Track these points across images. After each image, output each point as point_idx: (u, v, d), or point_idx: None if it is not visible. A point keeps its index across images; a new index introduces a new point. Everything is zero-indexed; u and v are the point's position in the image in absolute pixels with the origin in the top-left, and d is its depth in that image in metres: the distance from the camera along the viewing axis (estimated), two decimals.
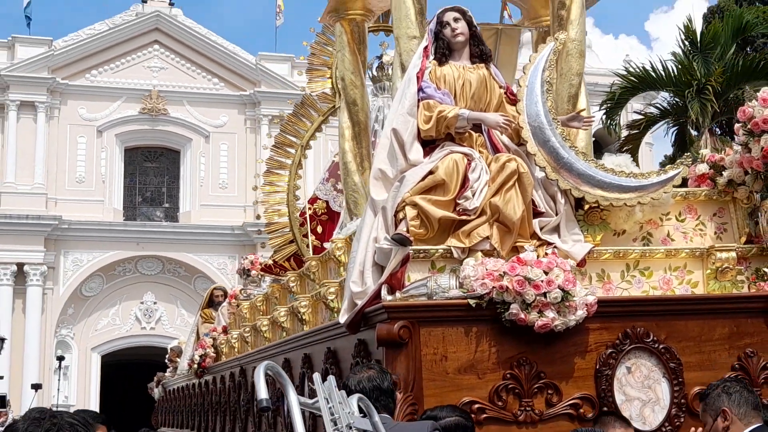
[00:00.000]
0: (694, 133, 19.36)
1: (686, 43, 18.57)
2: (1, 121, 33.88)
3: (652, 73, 18.87)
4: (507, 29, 7.77)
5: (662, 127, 20.91)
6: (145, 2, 36.22)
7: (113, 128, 34.81)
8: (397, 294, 5.52)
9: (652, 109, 20.26)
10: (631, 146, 20.14)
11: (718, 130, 20.60)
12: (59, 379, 31.72)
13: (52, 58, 34.30)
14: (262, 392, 3.27)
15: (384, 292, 5.55)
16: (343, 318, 5.87)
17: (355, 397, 3.70)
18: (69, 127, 34.40)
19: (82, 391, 33.06)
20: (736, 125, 6.23)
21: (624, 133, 21.33)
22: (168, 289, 34.60)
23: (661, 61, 18.99)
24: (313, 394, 3.53)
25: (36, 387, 28.49)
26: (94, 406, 31.26)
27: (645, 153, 24.04)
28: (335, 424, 3.40)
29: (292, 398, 3.24)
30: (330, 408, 3.45)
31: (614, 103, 19.82)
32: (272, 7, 38.45)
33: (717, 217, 6.42)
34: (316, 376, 3.61)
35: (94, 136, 34.50)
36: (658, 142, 27.80)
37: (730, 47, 18.41)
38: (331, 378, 3.56)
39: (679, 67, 18.53)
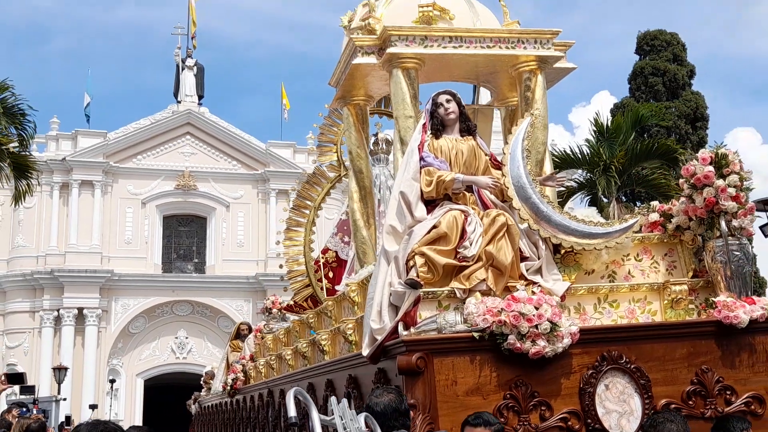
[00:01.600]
0: (604, 200, 19.36)
1: (596, 131, 18.58)
2: (66, 196, 33.73)
3: (571, 155, 18.96)
4: (482, 108, 7.51)
5: (579, 197, 20.90)
6: (179, 102, 36.34)
7: (154, 200, 34.73)
8: (411, 330, 5.14)
9: (572, 183, 20.22)
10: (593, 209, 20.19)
11: (623, 198, 20.63)
12: (111, 400, 31.64)
13: (106, 146, 34.34)
14: (291, 411, 3.50)
15: (400, 328, 5.18)
16: (366, 351, 5.43)
17: (362, 415, 3.68)
18: (119, 200, 34.39)
19: (129, 409, 32.68)
20: (681, 180, 5.90)
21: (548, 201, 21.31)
22: (197, 327, 34.35)
23: (577, 146, 19.23)
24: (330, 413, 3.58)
25: (92, 407, 28.27)
26: (138, 421, 31.11)
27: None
28: None
29: (314, 416, 3.38)
30: (343, 423, 3.49)
31: (543, 178, 19.84)
32: (279, 104, 38.50)
33: (668, 256, 6.07)
34: (333, 399, 3.69)
35: (139, 207, 34.47)
36: (578, 207, 27.64)
37: (630, 135, 18.65)
38: (344, 400, 3.61)
39: (591, 150, 18.61)
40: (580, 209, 6.92)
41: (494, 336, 5.00)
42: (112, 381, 31.09)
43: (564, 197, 21.31)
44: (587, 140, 19.21)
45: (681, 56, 31.46)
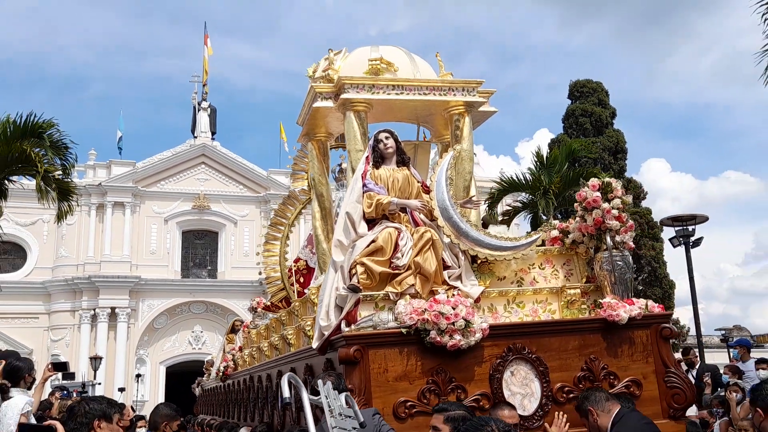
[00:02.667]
0: (543, 218, 19.40)
1: (537, 161, 18.58)
2: (102, 215, 33.31)
3: (517, 181, 18.96)
4: (422, 144, 7.44)
5: (523, 215, 20.88)
6: (196, 137, 36.12)
7: (174, 218, 34.33)
8: (352, 326, 5.08)
9: (518, 204, 20.25)
10: (504, 227, 20.16)
11: (559, 216, 20.73)
12: (138, 384, 31.30)
13: (135, 173, 33.97)
14: (286, 392, 3.40)
15: (343, 325, 5.13)
16: (315, 344, 5.38)
17: (344, 394, 3.65)
18: (146, 218, 33.95)
19: (153, 391, 32.20)
20: (576, 204, 5.87)
21: (500, 218, 21.31)
22: (210, 323, 33.83)
23: (522, 174, 19.27)
24: (315, 392, 3.52)
25: (121, 390, 27.79)
26: (161, 401, 30.50)
27: (513, 231, 23.82)
28: (331, 412, 3.42)
29: (304, 396, 3.33)
30: (328, 402, 3.45)
31: (493, 199, 19.86)
32: (278, 138, 38.68)
33: (566, 265, 6.03)
34: (319, 382, 3.60)
35: (162, 223, 34.07)
36: (522, 224, 27.67)
37: (564, 164, 18.61)
38: (329, 383, 3.54)
39: (533, 177, 18.60)
40: (496, 227, 6.83)
41: (419, 331, 4.94)
42: (138, 375, 31.09)
43: (511, 215, 21.35)
44: (530, 168, 19.18)
45: (605, 100, 31.70)
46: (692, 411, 9.21)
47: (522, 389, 5.16)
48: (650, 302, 5.59)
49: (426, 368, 4.98)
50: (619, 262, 5.58)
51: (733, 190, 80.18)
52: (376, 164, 5.95)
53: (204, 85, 36.93)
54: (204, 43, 37.30)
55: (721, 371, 10.89)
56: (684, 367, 11.64)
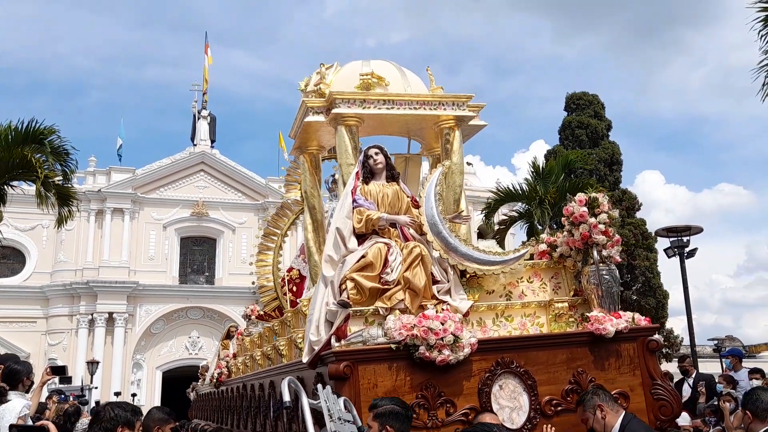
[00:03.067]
0: (539, 227, 19.40)
1: (533, 172, 18.49)
2: (101, 221, 33.38)
3: (513, 191, 19.07)
4: (412, 157, 7.40)
5: (519, 224, 20.84)
6: (195, 145, 36.22)
7: (173, 225, 34.41)
8: (342, 342, 5.03)
9: (514, 213, 20.29)
10: (500, 236, 20.37)
11: (554, 226, 20.75)
12: (136, 388, 31.45)
13: (134, 180, 34.05)
14: (286, 396, 3.49)
15: (333, 340, 5.08)
16: (305, 358, 5.34)
17: (341, 399, 3.73)
18: (144, 224, 34.05)
19: (149, 396, 32.14)
20: (563, 218, 5.85)
21: (496, 227, 21.36)
22: (207, 328, 33.88)
23: (518, 184, 19.37)
24: (314, 397, 3.55)
25: (116, 394, 27.81)
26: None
27: (509, 240, 23.93)
28: (331, 416, 3.45)
29: (304, 400, 3.42)
30: (327, 406, 3.49)
31: (490, 209, 19.87)
32: (276, 147, 38.88)
33: (553, 279, 6.01)
34: (319, 386, 3.61)
35: (160, 230, 34.14)
36: (518, 233, 27.70)
37: (560, 175, 18.64)
38: (328, 387, 3.61)
39: (529, 187, 18.60)
40: (483, 241, 6.85)
41: (408, 347, 4.91)
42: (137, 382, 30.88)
43: (507, 224, 21.34)
44: (526, 179, 19.24)
45: (600, 113, 31.82)
46: (686, 420, 9.19)
47: (510, 402, 5.13)
48: (637, 315, 5.58)
49: (415, 383, 4.95)
50: (606, 276, 5.57)
51: (726, 202, 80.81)
52: (366, 180, 5.93)
53: (204, 94, 37.02)
54: (204, 52, 37.40)
55: (716, 381, 10.88)
56: (679, 376, 11.65)
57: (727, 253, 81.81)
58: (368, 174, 5.95)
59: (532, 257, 6.02)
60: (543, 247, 6.09)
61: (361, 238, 5.61)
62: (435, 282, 5.47)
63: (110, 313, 31.69)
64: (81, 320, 31.71)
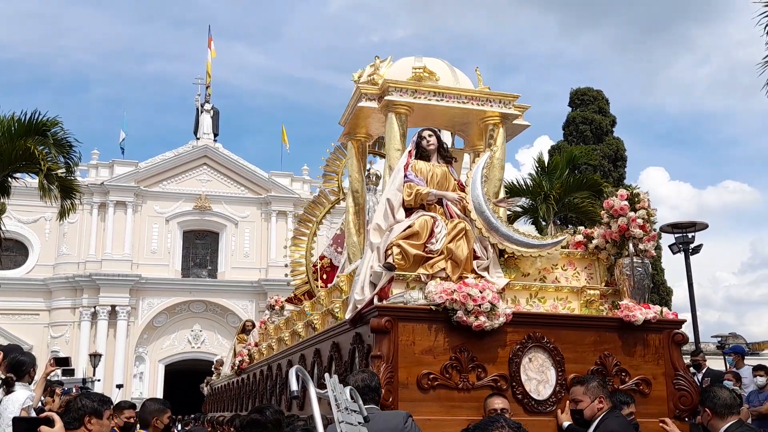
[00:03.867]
0: (543, 223, 19.81)
1: (538, 167, 18.94)
2: (104, 214, 34.45)
3: (518, 186, 19.58)
4: (455, 151, 7.91)
5: (523, 219, 21.32)
6: (198, 139, 37.09)
7: (176, 218, 35.38)
8: (384, 301, 5.57)
9: (518, 209, 20.72)
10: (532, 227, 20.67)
11: (558, 221, 21.14)
12: (138, 381, 32.48)
13: (137, 173, 35.04)
14: (293, 385, 3.42)
15: (376, 300, 5.63)
16: (347, 316, 5.93)
17: (348, 388, 3.74)
18: (147, 218, 35.01)
19: (152, 389, 32.87)
20: (602, 211, 6.42)
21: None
22: (209, 322, 34.71)
23: (523, 179, 19.92)
24: (322, 386, 3.53)
25: (119, 386, 28.25)
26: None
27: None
28: (338, 406, 3.47)
29: (311, 389, 3.34)
30: (334, 395, 3.49)
31: (494, 204, 20.24)
32: (280, 141, 39.80)
33: (587, 269, 6.53)
34: (327, 375, 3.66)
35: (163, 223, 35.12)
36: (522, 229, 28.08)
37: (564, 171, 19.05)
38: (335, 376, 3.59)
39: (534, 183, 19.03)
40: (523, 227, 7.44)
41: (447, 310, 5.41)
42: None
43: (511, 220, 21.72)
44: (530, 174, 19.64)
45: (605, 108, 32.49)
46: None
47: (538, 375, 5.66)
48: (665, 309, 6.16)
49: (450, 345, 5.47)
50: (639, 269, 6.10)
51: (731, 200, 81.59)
52: (419, 158, 6.56)
53: (207, 88, 37.89)
54: (207, 45, 38.36)
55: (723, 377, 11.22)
56: (691, 370, 12.05)
57: (732, 250, 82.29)
58: (421, 153, 6.57)
59: (568, 246, 6.60)
60: (579, 237, 6.62)
61: (408, 211, 6.20)
62: (475, 258, 6.02)
63: (113, 306, 32.40)
64: (84, 313, 32.53)
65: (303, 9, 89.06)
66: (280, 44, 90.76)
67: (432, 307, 5.47)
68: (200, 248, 36.07)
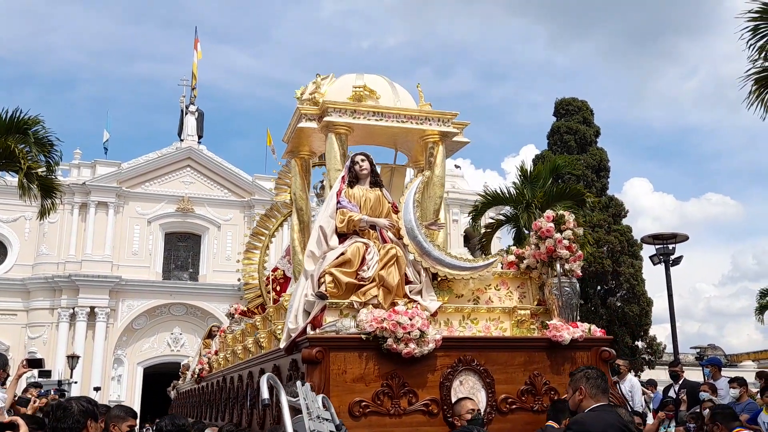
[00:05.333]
0: (526, 231, 19.77)
1: (521, 176, 18.99)
2: (84, 214, 33.82)
3: (501, 194, 19.32)
4: (398, 168, 7.94)
5: (506, 228, 21.16)
6: (182, 140, 36.64)
7: (158, 220, 34.82)
8: (317, 330, 5.59)
9: (501, 217, 20.69)
10: (486, 239, 20.56)
11: None
12: (116, 384, 31.97)
13: (120, 174, 34.44)
14: (265, 393, 3.43)
15: (309, 328, 5.64)
16: (282, 344, 5.92)
17: (320, 396, 3.81)
18: (129, 219, 34.44)
19: (130, 392, 32.56)
20: (531, 233, 6.45)
21: (483, 230, 21.74)
22: (190, 325, 34.22)
23: (506, 188, 19.63)
24: (293, 394, 3.55)
25: (96, 389, 28.01)
26: (137, 402, 30.99)
27: (495, 244, 24.31)
28: (309, 414, 3.50)
29: (283, 397, 3.36)
30: (306, 403, 3.52)
31: (477, 212, 20.24)
32: (264, 144, 39.27)
33: (519, 288, 6.57)
34: (298, 383, 3.67)
35: (145, 224, 34.55)
36: (504, 237, 28.13)
37: (548, 180, 18.95)
38: (308, 384, 3.63)
39: (517, 191, 18.95)
40: (457, 249, 7.42)
41: (377, 338, 5.45)
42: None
43: (494, 228, 21.72)
44: (514, 183, 19.52)
45: (589, 119, 32.60)
46: (650, 420, 9.67)
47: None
48: (593, 327, 6.19)
49: (382, 372, 5.50)
50: (567, 288, 6.16)
51: (713, 212, 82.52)
52: (351, 184, 6.53)
53: (193, 89, 37.53)
54: (194, 47, 37.95)
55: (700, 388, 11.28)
56: (666, 382, 12.09)
57: (713, 262, 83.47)
58: (353, 178, 6.55)
59: (502, 267, 6.62)
60: (511, 258, 6.67)
61: (342, 237, 6.19)
62: (408, 282, 6.05)
63: (92, 308, 32.02)
64: (62, 314, 32.09)
65: (292, 13, 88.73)
66: (268, 47, 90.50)
67: (363, 336, 5.48)
68: (182, 250, 35.72)
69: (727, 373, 12.74)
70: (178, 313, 34.19)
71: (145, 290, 33.32)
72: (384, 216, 6.44)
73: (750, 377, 12.09)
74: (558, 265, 6.20)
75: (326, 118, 6.80)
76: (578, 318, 6.24)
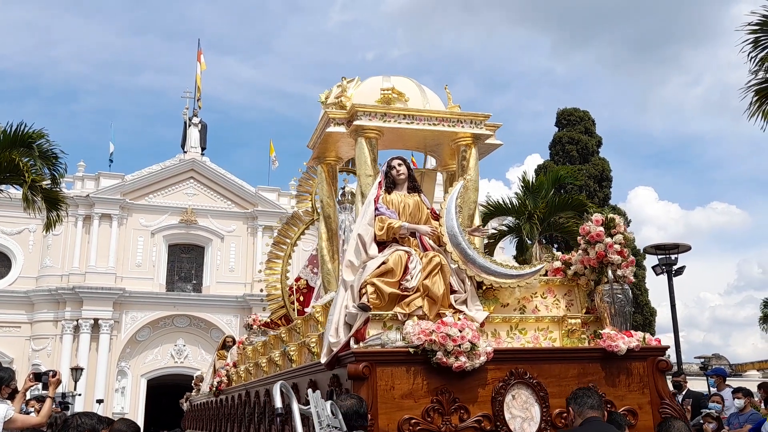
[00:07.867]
0: (528, 242, 19.49)
1: (524, 187, 18.72)
2: (88, 226, 33.32)
3: (503, 205, 19.04)
4: (428, 172, 7.62)
5: (509, 238, 20.90)
6: (186, 152, 36.23)
7: (161, 232, 34.32)
8: (361, 344, 5.22)
9: (503, 227, 20.40)
10: (490, 250, 20.25)
11: (543, 240, 20.82)
12: (120, 396, 31.29)
13: (123, 186, 34.00)
14: (278, 402, 3.44)
15: (352, 342, 5.27)
16: (323, 359, 5.51)
17: (328, 403, 3.68)
18: (132, 231, 33.94)
19: (133, 404, 31.97)
20: (579, 237, 6.07)
21: (485, 241, 21.41)
22: (193, 337, 33.71)
23: (508, 198, 19.35)
24: (305, 403, 3.55)
25: (100, 401, 27.53)
26: (141, 415, 30.49)
27: (498, 254, 24.07)
28: (320, 423, 3.48)
29: (294, 406, 3.42)
30: (317, 411, 3.50)
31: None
32: (267, 156, 38.88)
33: (567, 296, 6.21)
34: (309, 391, 3.66)
35: (148, 236, 34.04)
36: (507, 247, 27.87)
37: (550, 190, 18.73)
38: (317, 392, 3.61)
39: (519, 201, 18.68)
40: (500, 256, 7.06)
41: (426, 352, 5.06)
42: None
43: (497, 238, 21.50)
44: (516, 193, 19.35)
45: (591, 129, 32.40)
46: None
47: (522, 413, 5.29)
48: (648, 335, 5.79)
49: (431, 387, 5.11)
50: (620, 295, 5.77)
51: (718, 221, 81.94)
52: (388, 189, 6.15)
53: (197, 101, 37.18)
54: (197, 59, 37.62)
55: (707, 399, 11.06)
56: (673, 390, 11.80)
57: (718, 270, 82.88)
58: (391, 184, 6.17)
59: (546, 273, 6.23)
60: (558, 264, 6.30)
61: (381, 245, 5.81)
62: (452, 292, 5.67)
63: (96, 320, 31.53)
64: (66, 326, 31.55)
65: (297, 24, 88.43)
66: (270, 59, 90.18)
67: (410, 349, 5.09)
68: (185, 262, 35.20)
69: (733, 382, 12.46)
70: (182, 325, 33.67)
71: (149, 302, 32.83)
72: (423, 222, 6.08)
73: (755, 387, 11.82)
74: (609, 271, 5.81)
75: (356, 122, 6.47)
76: (631, 327, 5.82)
